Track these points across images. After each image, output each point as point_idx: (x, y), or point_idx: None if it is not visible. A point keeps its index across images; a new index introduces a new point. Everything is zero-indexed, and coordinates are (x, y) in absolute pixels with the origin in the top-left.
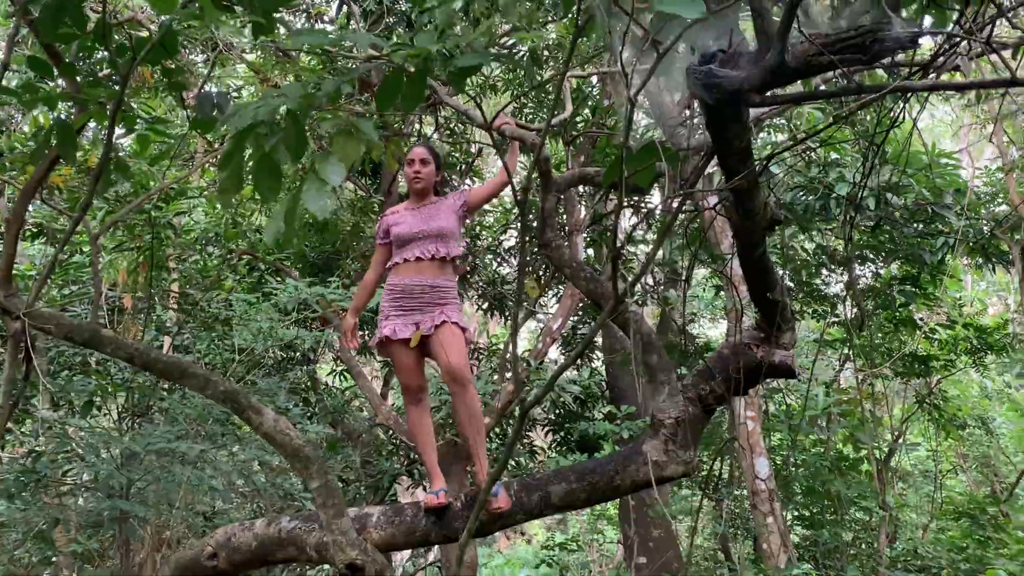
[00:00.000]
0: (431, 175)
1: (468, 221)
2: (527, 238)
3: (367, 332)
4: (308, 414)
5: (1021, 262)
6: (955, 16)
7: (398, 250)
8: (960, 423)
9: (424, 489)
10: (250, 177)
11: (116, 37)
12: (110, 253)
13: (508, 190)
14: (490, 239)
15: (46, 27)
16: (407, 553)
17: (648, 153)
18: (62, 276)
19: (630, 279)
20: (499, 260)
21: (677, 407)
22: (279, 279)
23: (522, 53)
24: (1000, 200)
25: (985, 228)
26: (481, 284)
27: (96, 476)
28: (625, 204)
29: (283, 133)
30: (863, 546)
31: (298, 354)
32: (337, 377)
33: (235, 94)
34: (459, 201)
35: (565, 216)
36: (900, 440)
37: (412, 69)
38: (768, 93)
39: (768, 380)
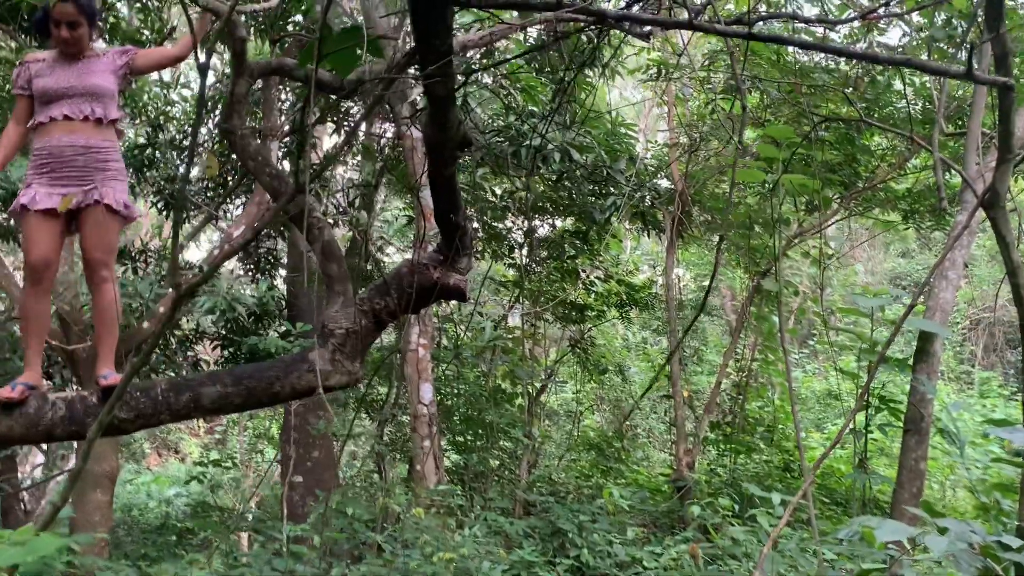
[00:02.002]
0: (84, 37)
1: (131, 85)
2: (201, 116)
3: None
4: None
5: (671, 231)
6: None
7: (43, 107)
8: (603, 368)
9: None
10: None
11: None
12: None
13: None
14: (176, 133)
15: None
16: (40, 460)
17: (349, 36)
18: None
19: (327, 195)
20: (182, 158)
21: (349, 318)
22: None
23: None
24: (663, 175)
25: (648, 197)
26: (159, 180)
27: None
28: (327, 119)
29: None
30: (507, 472)
31: None
32: None
33: None
34: (120, 61)
35: (262, 120)
36: (551, 379)
37: None
38: None
39: (441, 303)
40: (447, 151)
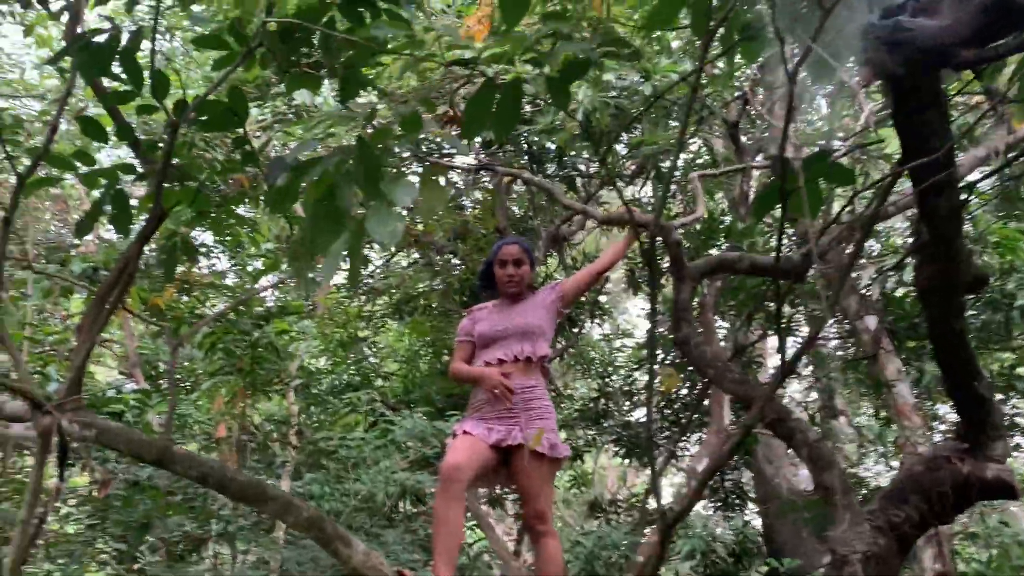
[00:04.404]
0: (526, 275)
1: (565, 312)
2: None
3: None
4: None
5: None
6: None
7: (481, 351)
8: None
9: None
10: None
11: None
12: (210, 377)
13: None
14: (622, 380)
15: (87, 70)
16: None
17: (819, 169)
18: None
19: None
20: (632, 403)
21: (864, 538)
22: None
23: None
24: None
25: None
26: (616, 429)
27: None
28: (771, 328)
29: (349, 162)
30: None
31: (423, 504)
32: (468, 531)
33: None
34: (551, 296)
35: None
36: None
37: (504, 79)
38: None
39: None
40: (953, 295)
